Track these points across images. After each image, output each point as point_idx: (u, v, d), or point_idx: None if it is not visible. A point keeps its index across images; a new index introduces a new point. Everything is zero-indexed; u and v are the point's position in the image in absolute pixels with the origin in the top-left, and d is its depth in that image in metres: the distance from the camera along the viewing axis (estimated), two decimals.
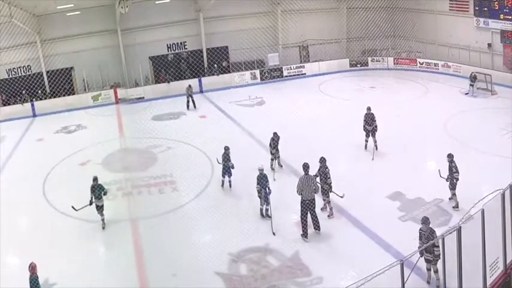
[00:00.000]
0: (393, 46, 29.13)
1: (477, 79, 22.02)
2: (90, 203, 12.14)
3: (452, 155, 11.74)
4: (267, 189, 11.71)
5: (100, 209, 12.23)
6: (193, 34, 28.72)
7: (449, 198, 11.99)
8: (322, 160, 11.96)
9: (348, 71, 29.27)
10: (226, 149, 13.84)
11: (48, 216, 13.22)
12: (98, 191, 12.17)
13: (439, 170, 11.87)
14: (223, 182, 14.05)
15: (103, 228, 12.25)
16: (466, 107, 20.48)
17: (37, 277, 8.70)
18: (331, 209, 11.93)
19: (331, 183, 11.86)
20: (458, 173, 11.59)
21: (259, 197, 11.95)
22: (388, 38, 28.64)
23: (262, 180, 11.82)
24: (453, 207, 11.78)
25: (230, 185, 13.95)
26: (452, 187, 11.76)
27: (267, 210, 11.69)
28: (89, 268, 10.53)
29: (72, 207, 12.14)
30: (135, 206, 13.55)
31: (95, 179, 12.29)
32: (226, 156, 13.76)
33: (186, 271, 10.02)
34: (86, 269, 10.48)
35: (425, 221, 8.94)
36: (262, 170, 11.98)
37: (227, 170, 13.79)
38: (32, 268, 8.70)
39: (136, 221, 12.56)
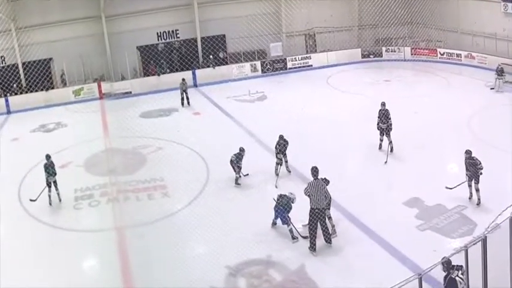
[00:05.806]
0: (410, 34, 29.18)
1: (504, 72, 21.97)
2: (48, 183, 13.89)
3: (471, 151, 12.23)
4: (286, 216, 11.39)
5: (55, 183, 14.05)
6: (187, 21, 28.78)
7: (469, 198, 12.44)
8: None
9: (360, 62, 29.35)
10: (242, 150, 14.39)
11: (25, 224, 13.22)
12: (51, 168, 13.94)
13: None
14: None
15: (60, 200, 14.20)
16: (492, 102, 20.50)
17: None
18: (333, 226, 11.40)
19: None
20: (468, 170, 12.20)
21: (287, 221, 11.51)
22: (404, 25, 28.72)
23: (287, 207, 11.45)
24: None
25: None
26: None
27: (290, 230, 11.41)
28: (68, 280, 10.51)
29: (30, 199, 13.97)
30: (121, 213, 13.58)
31: (49, 156, 14.16)
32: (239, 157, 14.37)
33: (178, 286, 10.01)
34: (65, 280, 10.47)
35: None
36: (294, 198, 11.55)
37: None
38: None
39: (123, 229, 12.57)
